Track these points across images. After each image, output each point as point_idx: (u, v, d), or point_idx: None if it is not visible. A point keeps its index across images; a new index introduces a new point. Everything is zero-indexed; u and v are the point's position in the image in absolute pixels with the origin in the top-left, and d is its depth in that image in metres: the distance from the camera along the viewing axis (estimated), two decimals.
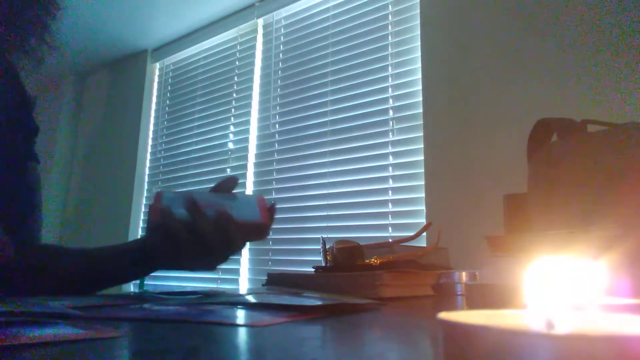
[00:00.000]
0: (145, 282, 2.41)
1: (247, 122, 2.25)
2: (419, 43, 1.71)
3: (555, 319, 0.15)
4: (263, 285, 0.79)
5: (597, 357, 0.11)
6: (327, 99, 1.95)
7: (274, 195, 2.07)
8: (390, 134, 1.75)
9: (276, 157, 2.10)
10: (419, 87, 1.68)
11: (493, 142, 1.45)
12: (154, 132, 2.79)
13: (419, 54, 1.71)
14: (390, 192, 1.71)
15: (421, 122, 1.65)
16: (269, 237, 0.64)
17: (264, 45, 2.29)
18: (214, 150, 2.40)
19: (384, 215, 1.70)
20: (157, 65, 2.89)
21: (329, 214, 1.85)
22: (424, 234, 1.08)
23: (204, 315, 0.36)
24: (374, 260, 0.69)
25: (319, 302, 0.42)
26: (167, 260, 0.58)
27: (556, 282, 0.15)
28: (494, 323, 0.14)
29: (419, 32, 1.72)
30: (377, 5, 1.89)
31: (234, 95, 2.36)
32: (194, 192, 0.59)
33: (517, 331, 0.12)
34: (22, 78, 0.69)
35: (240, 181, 2.20)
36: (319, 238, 0.85)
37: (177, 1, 2.38)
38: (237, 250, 0.58)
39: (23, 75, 0.69)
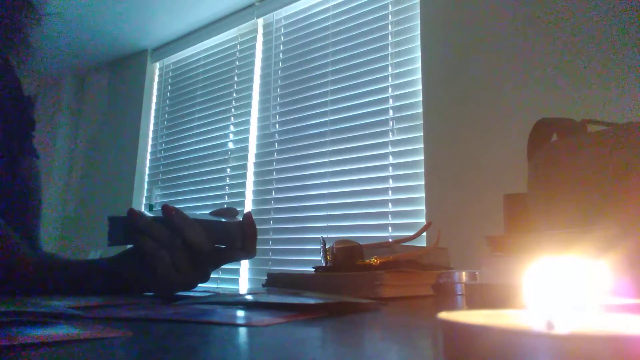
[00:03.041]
0: None
1: (247, 122, 2.25)
2: (419, 43, 1.71)
3: (555, 319, 0.15)
4: (263, 285, 0.79)
5: (597, 357, 0.11)
6: (327, 99, 1.95)
7: (274, 195, 2.07)
8: (390, 134, 1.75)
9: (276, 157, 2.10)
10: (419, 87, 1.68)
11: (493, 142, 1.45)
12: (154, 132, 2.79)
13: (419, 54, 1.71)
14: (390, 192, 1.71)
15: (421, 122, 1.65)
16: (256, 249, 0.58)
17: (264, 45, 2.29)
18: (214, 150, 2.40)
19: (384, 215, 1.70)
20: (157, 65, 2.89)
21: (329, 214, 1.85)
22: (424, 234, 1.08)
23: (204, 315, 0.36)
24: (374, 260, 0.69)
25: (320, 301, 0.42)
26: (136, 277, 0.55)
27: (556, 282, 0.15)
28: (494, 323, 0.14)
29: (419, 32, 1.72)
30: (377, 5, 1.89)
31: (234, 95, 2.36)
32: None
33: (517, 331, 0.12)
34: (20, 75, 0.69)
35: (240, 181, 2.20)
36: (319, 238, 0.84)
37: (177, 1, 2.38)
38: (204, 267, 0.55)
39: (22, 75, 0.69)
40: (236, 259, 0.57)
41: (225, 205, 2.20)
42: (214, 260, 0.55)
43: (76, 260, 0.66)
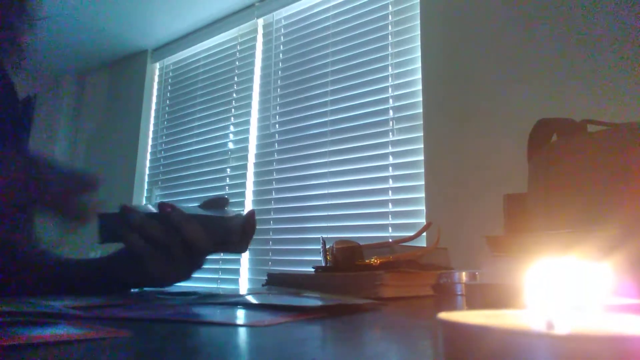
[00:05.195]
0: None
1: (247, 122, 2.25)
2: (419, 43, 1.71)
3: (555, 319, 0.15)
4: (263, 285, 0.79)
5: (597, 357, 0.11)
6: (327, 99, 1.95)
7: (274, 195, 2.07)
8: (390, 134, 1.75)
9: (276, 157, 2.10)
10: (419, 87, 1.68)
11: (493, 142, 1.45)
12: (154, 132, 2.79)
13: (419, 54, 1.71)
14: (390, 192, 1.71)
15: (421, 122, 1.65)
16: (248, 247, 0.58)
17: (264, 45, 2.29)
18: (214, 150, 2.40)
19: (384, 215, 1.70)
20: (157, 65, 2.89)
21: (329, 214, 1.85)
22: (424, 234, 1.08)
23: (204, 316, 0.36)
24: (374, 260, 0.69)
25: (319, 303, 0.42)
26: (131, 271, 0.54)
27: (556, 282, 0.15)
28: (494, 323, 0.14)
29: (419, 32, 1.72)
30: (377, 5, 1.89)
31: (234, 95, 2.36)
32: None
33: (517, 331, 0.12)
34: (16, 79, 0.69)
35: (240, 181, 2.20)
36: (319, 238, 0.84)
37: (177, 1, 2.38)
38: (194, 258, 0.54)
39: (18, 78, 0.69)
40: (228, 252, 0.57)
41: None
42: (209, 252, 0.55)
43: (73, 259, 0.66)
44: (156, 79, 2.88)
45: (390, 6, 1.85)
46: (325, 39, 2.03)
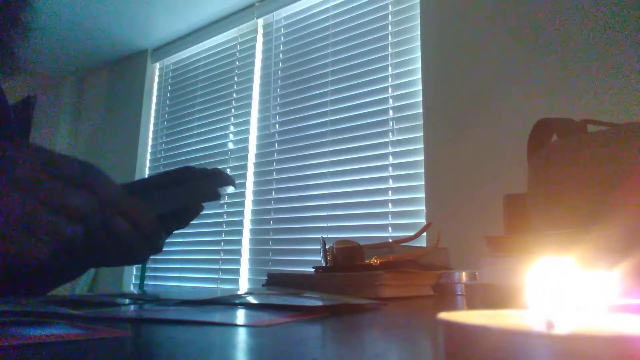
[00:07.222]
0: (145, 283, 2.41)
1: (247, 122, 2.25)
2: (419, 43, 1.71)
3: (555, 319, 0.15)
4: (263, 285, 0.79)
5: (597, 357, 0.11)
6: (327, 99, 1.95)
7: (274, 195, 2.07)
8: (390, 134, 1.75)
9: (276, 157, 2.10)
10: (419, 87, 1.68)
11: (493, 142, 1.45)
12: (154, 132, 2.79)
13: (419, 54, 1.70)
14: (390, 192, 1.71)
15: (421, 122, 1.65)
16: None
17: (264, 45, 2.29)
18: (214, 150, 2.40)
19: (384, 215, 1.70)
20: (157, 65, 2.88)
21: (329, 214, 1.85)
22: (424, 234, 1.08)
23: (204, 315, 0.36)
24: (374, 260, 0.69)
25: (320, 303, 0.42)
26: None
27: (556, 282, 0.15)
28: (494, 323, 0.14)
29: (419, 32, 1.72)
30: (377, 6, 1.88)
31: (234, 95, 2.36)
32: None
33: (517, 331, 0.12)
34: (10, 85, 0.69)
35: (240, 181, 2.20)
36: (319, 238, 0.84)
37: (177, 1, 2.38)
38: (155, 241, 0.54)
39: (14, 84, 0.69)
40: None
41: (226, 207, 2.21)
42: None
43: None
44: (156, 79, 2.88)
45: (390, 6, 1.85)
46: (325, 39, 2.03)
